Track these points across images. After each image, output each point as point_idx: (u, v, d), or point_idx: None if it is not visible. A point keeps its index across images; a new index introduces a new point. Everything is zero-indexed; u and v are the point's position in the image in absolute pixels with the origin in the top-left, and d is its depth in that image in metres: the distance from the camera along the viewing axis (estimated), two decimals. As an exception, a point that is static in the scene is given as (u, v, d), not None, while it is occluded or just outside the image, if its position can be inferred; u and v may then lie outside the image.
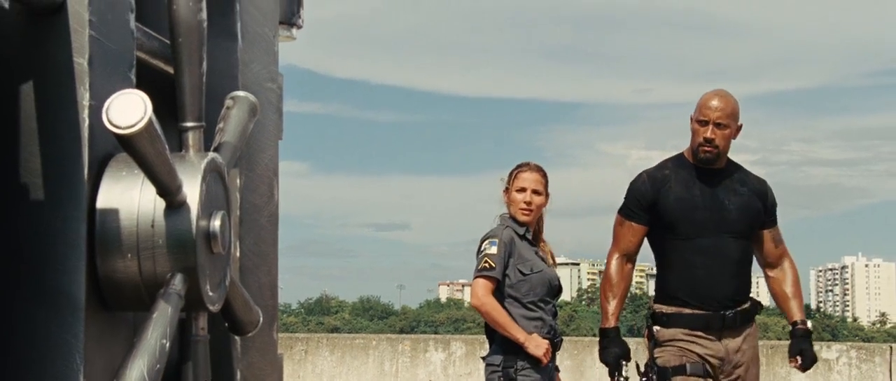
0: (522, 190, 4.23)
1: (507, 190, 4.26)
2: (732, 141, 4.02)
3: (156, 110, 0.97)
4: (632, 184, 4.06)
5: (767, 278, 4.25)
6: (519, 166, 4.32)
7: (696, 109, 4.03)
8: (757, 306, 4.13)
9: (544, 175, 4.35)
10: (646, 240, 4.12)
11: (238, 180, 1.33)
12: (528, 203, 4.21)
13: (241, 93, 1.22)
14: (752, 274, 4.24)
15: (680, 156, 4.07)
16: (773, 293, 4.31)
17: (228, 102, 1.21)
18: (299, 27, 1.70)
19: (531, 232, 4.25)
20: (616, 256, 4.12)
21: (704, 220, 3.94)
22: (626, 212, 4.06)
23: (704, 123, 3.94)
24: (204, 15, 1.11)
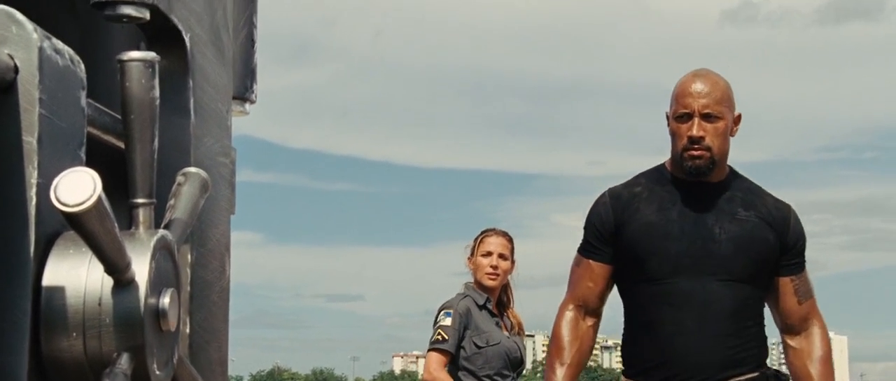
0: (488, 254, 4.25)
1: (471, 256, 4.28)
2: (731, 139, 2.87)
3: (106, 187, 0.96)
4: (591, 208, 2.97)
5: (786, 348, 2.95)
6: (484, 232, 4.35)
7: (671, 101, 2.84)
8: None
9: (510, 241, 4.38)
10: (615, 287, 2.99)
11: (189, 257, 1.32)
12: (495, 267, 4.22)
13: (192, 169, 1.22)
14: (762, 335, 2.93)
15: (659, 167, 2.95)
16: (792, 371, 2.97)
17: (180, 178, 1.21)
18: (252, 102, 1.70)
19: (493, 301, 4.25)
20: (569, 308, 2.94)
21: (679, 254, 2.78)
22: (582, 247, 2.95)
23: (686, 117, 2.79)
24: (156, 92, 1.11)
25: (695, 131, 2.79)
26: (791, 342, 2.95)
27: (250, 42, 1.62)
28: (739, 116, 2.87)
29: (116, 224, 1.00)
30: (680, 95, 2.84)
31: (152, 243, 1.08)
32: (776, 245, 2.87)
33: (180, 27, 1.27)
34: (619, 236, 2.89)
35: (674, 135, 2.85)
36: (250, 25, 1.63)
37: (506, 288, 4.38)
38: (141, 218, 1.12)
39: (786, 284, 2.92)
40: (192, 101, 1.34)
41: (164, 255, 1.11)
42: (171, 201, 1.19)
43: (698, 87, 2.82)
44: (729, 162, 2.96)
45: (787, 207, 2.94)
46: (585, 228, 2.99)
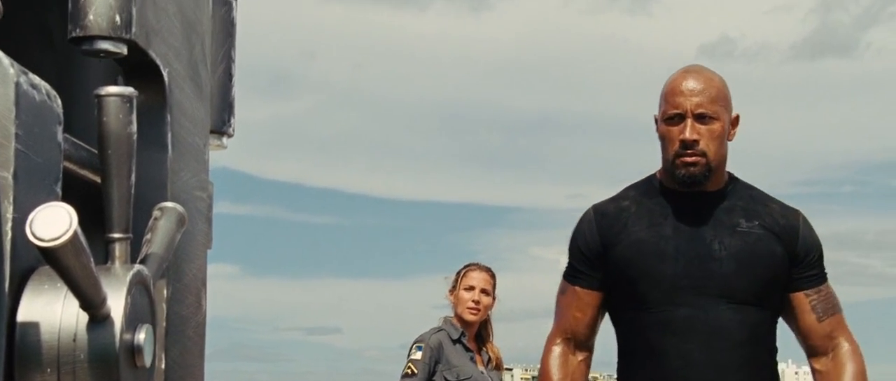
0: (471, 288, 4.25)
1: (453, 289, 4.28)
2: (729, 143, 2.54)
3: (82, 221, 0.96)
4: (575, 228, 2.61)
5: (813, 373, 2.57)
6: (468, 266, 4.35)
7: (660, 101, 2.50)
8: None
9: (493, 277, 4.38)
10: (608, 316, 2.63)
11: (165, 292, 1.31)
12: (477, 302, 4.22)
13: (169, 204, 1.22)
14: (776, 367, 2.60)
15: (649, 178, 2.60)
16: None
17: (156, 212, 1.21)
18: (230, 135, 1.70)
19: (470, 336, 4.25)
20: (556, 342, 2.58)
21: (676, 275, 2.43)
22: (567, 272, 2.60)
23: (677, 119, 2.44)
24: (134, 127, 1.11)
25: (687, 134, 2.41)
26: (817, 366, 2.52)
27: (228, 76, 1.63)
28: (737, 118, 2.53)
29: (92, 259, 0.99)
30: (670, 94, 2.46)
31: (128, 279, 1.07)
32: (785, 258, 2.47)
33: (158, 62, 1.27)
34: (607, 258, 2.50)
35: (664, 139, 2.47)
36: (228, 60, 1.63)
37: (485, 323, 4.38)
38: (117, 253, 1.11)
39: (801, 300, 2.49)
40: (169, 135, 1.34)
41: (139, 290, 1.11)
42: (148, 236, 1.19)
43: (690, 84, 2.45)
44: (727, 168, 2.60)
45: (796, 213, 2.53)
46: (570, 250, 2.61)
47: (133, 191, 1.14)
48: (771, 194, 2.64)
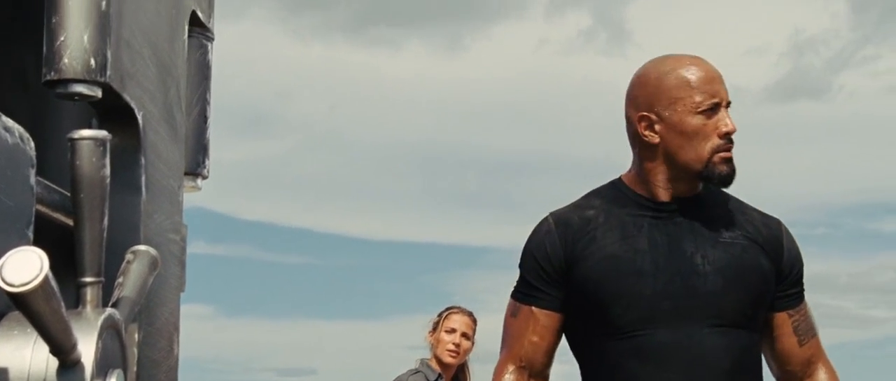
0: (452, 331, 4.25)
1: (434, 331, 4.27)
2: None
3: (54, 264, 0.95)
4: (529, 239, 2.28)
5: None
6: (449, 308, 4.36)
7: (677, 92, 2.17)
8: None
9: (474, 321, 4.38)
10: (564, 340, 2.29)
11: (136, 336, 1.30)
12: (457, 345, 4.22)
13: (142, 247, 1.21)
14: None
15: (615, 183, 2.29)
16: None
17: (129, 256, 1.20)
18: (204, 178, 1.70)
19: (447, 378, 4.25)
20: (509, 370, 2.25)
21: (655, 295, 2.14)
22: (520, 290, 2.27)
23: (713, 109, 2.16)
24: (107, 171, 1.11)
25: (732, 125, 2.14)
26: None
27: (203, 118, 1.63)
28: None
29: (63, 304, 0.99)
30: (703, 82, 2.15)
31: (99, 323, 1.07)
32: (772, 273, 2.21)
33: (133, 105, 1.27)
34: (571, 276, 2.18)
35: (694, 134, 2.14)
36: (203, 102, 1.63)
37: (463, 367, 4.38)
38: (88, 297, 1.11)
39: (783, 321, 2.24)
40: (143, 178, 1.33)
41: (111, 334, 1.10)
42: (120, 279, 1.18)
43: (714, 70, 2.19)
44: None
45: (778, 222, 2.28)
46: (523, 265, 2.26)
47: (105, 234, 1.13)
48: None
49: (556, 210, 2.29)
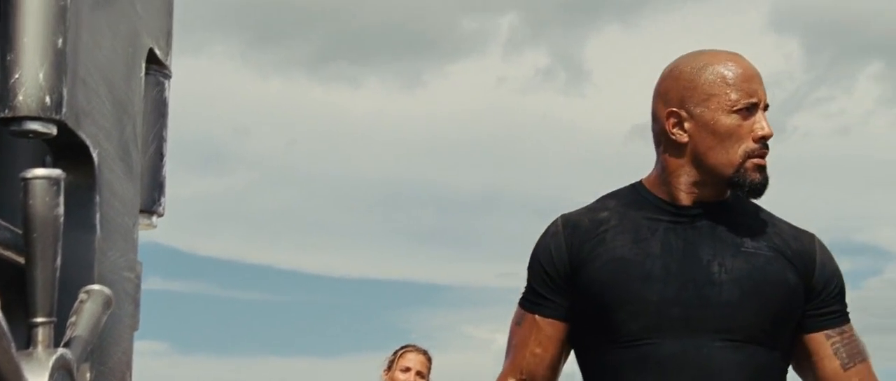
0: (407, 370, 4.26)
1: (389, 370, 4.28)
2: None
3: (5, 304, 0.95)
4: (537, 243, 2.13)
5: None
6: (405, 347, 4.37)
7: (702, 84, 2.01)
8: None
9: (429, 360, 4.39)
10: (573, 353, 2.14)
11: (88, 376, 1.29)
12: None
13: (95, 286, 1.20)
14: None
15: (634, 187, 2.14)
16: None
17: (82, 295, 1.19)
18: (160, 215, 1.69)
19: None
20: None
21: (664, 302, 1.98)
22: (526, 298, 2.13)
23: (749, 110, 2.00)
24: (61, 210, 1.10)
25: (768, 128, 1.98)
26: None
27: (159, 156, 1.62)
28: None
29: (13, 344, 0.97)
30: (741, 80, 1.99)
31: (50, 364, 1.06)
32: (800, 289, 2.02)
33: (88, 143, 1.26)
34: (576, 280, 2.03)
35: (728, 135, 1.98)
36: (160, 140, 1.63)
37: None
38: (40, 337, 1.09)
39: (820, 343, 2.02)
40: (97, 216, 1.32)
41: (62, 375, 1.09)
42: (72, 319, 1.17)
43: (749, 67, 2.03)
44: None
45: (811, 236, 2.09)
46: (530, 270, 2.12)
47: (58, 273, 1.12)
48: None
49: (568, 212, 2.13)
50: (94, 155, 1.28)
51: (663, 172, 2.08)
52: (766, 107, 2.01)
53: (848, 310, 2.09)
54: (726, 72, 2.01)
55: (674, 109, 2.04)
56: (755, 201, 2.09)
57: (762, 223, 2.08)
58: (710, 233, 2.03)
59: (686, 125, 2.03)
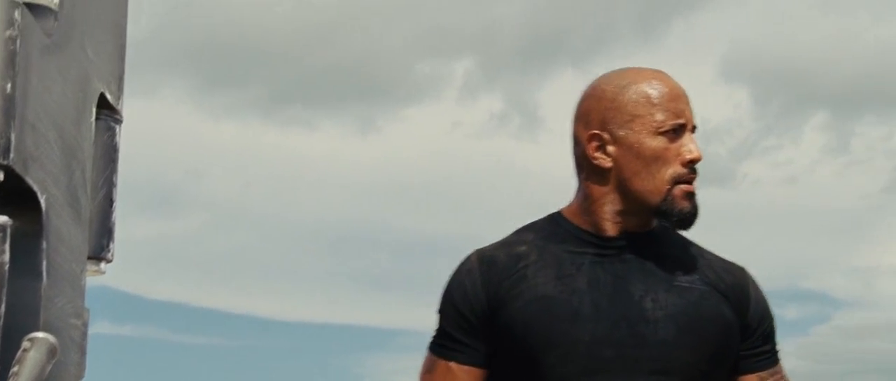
0: None
1: None
2: None
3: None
4: (449, 281, 1.95)
5: None
6: None
7: (625, 104, 1.88)
8: None
9: None
10: None
11: (31, 426, 1.27)
12: None
13: (39, 334, 1.19)
14: None
15: (554, 217, 1.98)
16: None
17: (26, 343, 1.17)
18: (109, 261, 1.67)
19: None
20: None
21: (596, 343, 1.82)
22: (437, 342, 1.94)
23: (675, 132, 1.87)
24: (6, 257, 1.08)
25: (697, 151, 1.82)
26: None
27: (109, 201, 1.60)
28: None
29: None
30: (667, 99, 1.86)
31: (-8, 414, 1.03)
32: (736, 325, 1.89)
33: (35, 188, 1.25)
34: (496, 322, 1.85)
35: (652, 159, 1.85)
36: (110, 184, 1.61)
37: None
38: (-18, 387, 1.07)
39: None
40: (44, 263, 1.31)
41: (4, 426, 1.07)
42: (15, 369, 1.15)
43: (675, 86, 1.89)
44: None
45: (742, 270, 1.96)
46: (441, 311, 1.93)
47: (3, 321, 1.10)
48: None
49: (482, 247, 1.94)
50: (42, 201, 1.27)
51: (585, 200, 1.94)
52: (693, 129, 1.87)
53: (777, 350, 1.99)
54: (651, 91, 1.88)
55: (595, 131, 1.91)
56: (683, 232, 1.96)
57: (692, 256, 1.94)
58: (640, 266, 1.88)
59: (609, 149, 1.90)
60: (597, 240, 1.91)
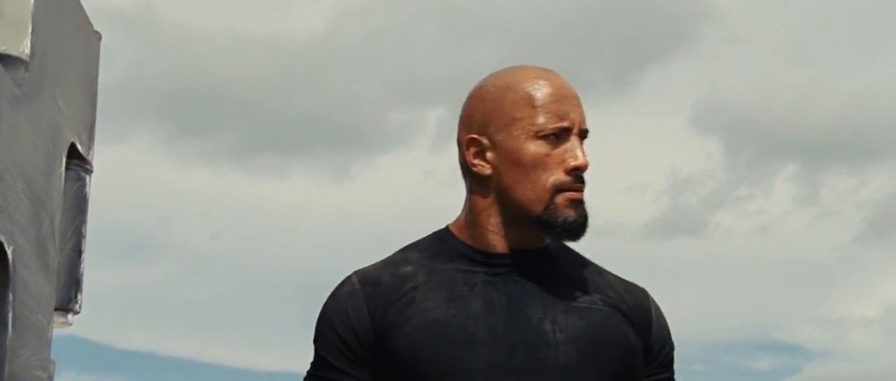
0: None
1: None
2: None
3: None
4: (326, 303, 1.77)
5: None
6: None
7: (506, 105, 1.74)
8: None
9: None
10: None
11: None
12: None
13: (4, 387, 1.17)
14: None
15: (439, 235, 1.82)
16: None
17: (-10, 397, 1.16)
18: (76, 313, 1.66)
19: None
20: None
21: (493, 370, 1.68)
22: (317, 374, 1.74)
23: (559, 136, 1.72)
24: (-30, 309, 1.07)
25: (583, 158, 1.69)
26: None
27: (77, 252, 1.59)
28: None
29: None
30: (551, 100, 1.72)
31: None
32: (639, 347, 1.77)
33: (2, 240, 1.23)
34: (381, 349, 1.70)
35: (535, 165, 1.71)
36: (79, 235, 1.60)
37: None
38: (-57, 442, 1.06)
39: None
40: (10, 314, 1.29)
41: None
42: (-22, 423, 1.13)
43: (569, 88, 1.75)
44: None
45: (644, 291, 1.85)
46: (319, 338, 1.74)
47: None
48: None
49: (364, 267, 1.78)
50: (9, 252, 1.25)
51: (470, 212, 1.79)
52: (583, 133, 1.72)
53: (674, 377, 1.86)
54: (534, 91, 1.72)
55: (474, 135, 1.75)
56: (572, 245, 1.80)
57: (591, 274, 1.80)
58: (536, 286, 1.73)
59: (488, 155, 1.75)
60: (485, 258, 1.75)
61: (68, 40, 1.50)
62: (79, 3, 1.55)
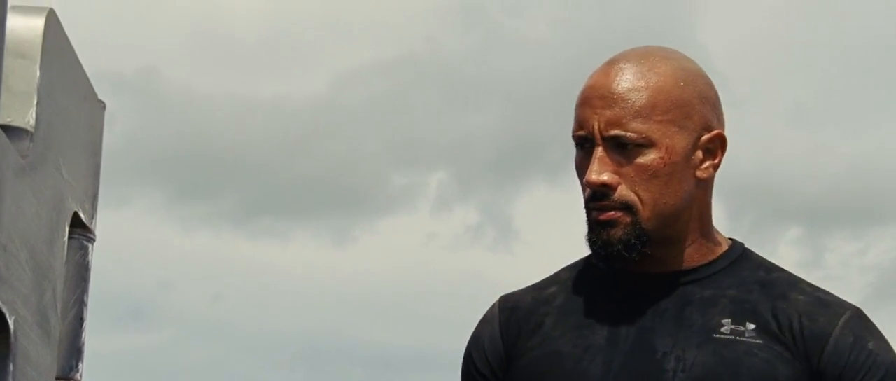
0: None
1: None
2: (706, 178, 1.55)
3: None
4: (474, 332, 1.67)
5: None
6: None
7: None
8: None
9: None
10: None
11: None
12: None
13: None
14: None
15: (589, 256, 1.59)
16: None
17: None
18: (77, 381, 1.65)
19: None
20: None
21: None
22: None
23: (584, 143, 1.49)
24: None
25: (594, 176, 1.47)
26: None
27: (79, 321, 1.59)
28: (716, 137, 1.52)
29: None
30: (581, 102, 1.49)
31: None
32: None
33: (4, 310, 1.24)
34: (510, 370, 1.59)
35: (579, 178, 1.52)
36: (80, 304, 1.60)
37: None
38: None
39: None
40: (11, 385, 1.29)
41: None
42: None
43: (610, 84, 1.47)
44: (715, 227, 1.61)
45: (840, 312, 1.50)
46: (464, 374, 1.65)
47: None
48: None
49: (512, 291, 1.66)
50: (11, 322, 1.26)
51: None
52: (611, 140, 1.47)
53: None
54: (585, 86, 1.51)
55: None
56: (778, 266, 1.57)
57: (756, 296, 1.52)
58: (676, 314, 1.51)
59: None
60: (623, 280, 1.55)
61: (73, 111, 1.52)
62: (84, 74, 1.56)
